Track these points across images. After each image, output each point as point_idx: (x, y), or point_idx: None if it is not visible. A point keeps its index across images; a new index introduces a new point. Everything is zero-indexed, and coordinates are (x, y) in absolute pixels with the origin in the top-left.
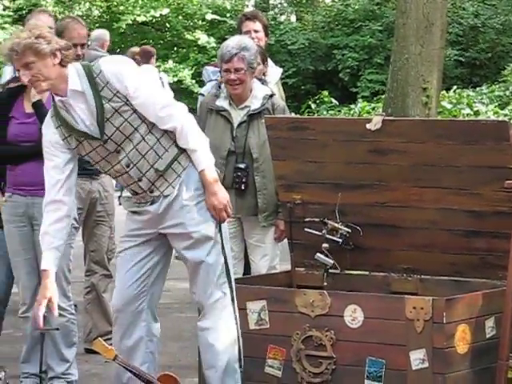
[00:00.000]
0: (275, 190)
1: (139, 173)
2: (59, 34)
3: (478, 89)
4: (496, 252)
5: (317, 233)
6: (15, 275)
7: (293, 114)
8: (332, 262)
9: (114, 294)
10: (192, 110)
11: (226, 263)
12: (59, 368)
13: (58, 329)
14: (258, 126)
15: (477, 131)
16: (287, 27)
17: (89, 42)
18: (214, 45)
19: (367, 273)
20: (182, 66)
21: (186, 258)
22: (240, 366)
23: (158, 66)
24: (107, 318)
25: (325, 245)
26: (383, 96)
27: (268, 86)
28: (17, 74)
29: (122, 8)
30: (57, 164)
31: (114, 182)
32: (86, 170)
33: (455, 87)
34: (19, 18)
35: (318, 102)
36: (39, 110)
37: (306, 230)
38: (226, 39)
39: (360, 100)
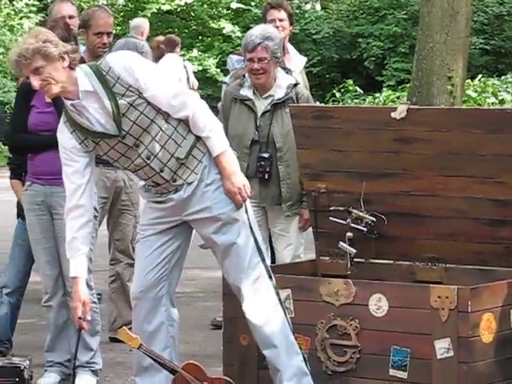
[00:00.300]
0: (299, 179)
1: (160, 163)
2: (85, 22)
3: (503, 77)
4: None
5: (341, 221)
6: (37, 264)
7: (317, 103)
8: (354, 250)
9: (133, 280)
10: (216, 99)
11: (257, 242)
12: (84, 357)
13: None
14: (282, 115)
15: (502, 120)
16: (312, 16)
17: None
18: (239, 34)
19: (392, 262)
20: (206, 55)
21: (216, 242)
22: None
23: (183, 55)
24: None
25: (349, 234)
26: (408, 85)
27: (292, 75)
28: None
29: None
30: (76, 169)
31: None
32: None
33: (480, 76)
34: (44, 7)
35: (342, 90)
36: (57, 101)
37: (330, 218)
38: (250, 28)
39: (385, 89)
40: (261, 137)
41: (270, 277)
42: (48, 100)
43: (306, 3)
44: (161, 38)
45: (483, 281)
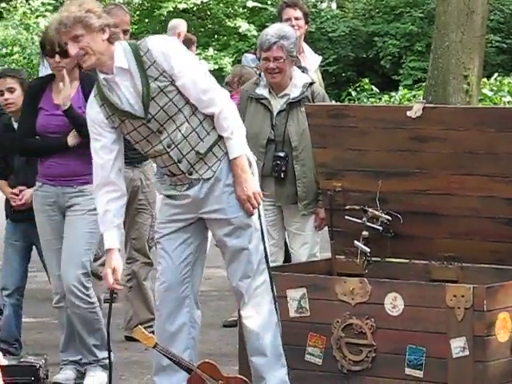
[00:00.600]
0: (315, 178)
1: (180, 154)
2: None
3: None
4: None
5: (357, 220)
6: (47, 265)
7: (333, 102)
8: (369, 249)
9: (157, 279)
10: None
11: (265, 249)
12: (89, 356)
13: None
14: (298, 114)
15: None
16: (328, 14)
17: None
18: (255, 32)
19: (407, 261)
20: (222, 54)
21: (227, 244)
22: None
23: (199, 54)
24: (148, 306)
25: (365, 232)
26: (424, 83)
27: (308, 74)
28: (51, 71)
29: None
30: (104, 144)
31: (154, 168)
32: (128, 158)
33: (496, 74)
34: (60, 6)
35: (358, 89)
36: (71, 114)
37: (346, 217)
38: (266, 27)
39: (401, 88)
40: (276, 136)
41: (272, 286)
42: (56, 101)
43: (321, 2)
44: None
45: (499, 280)
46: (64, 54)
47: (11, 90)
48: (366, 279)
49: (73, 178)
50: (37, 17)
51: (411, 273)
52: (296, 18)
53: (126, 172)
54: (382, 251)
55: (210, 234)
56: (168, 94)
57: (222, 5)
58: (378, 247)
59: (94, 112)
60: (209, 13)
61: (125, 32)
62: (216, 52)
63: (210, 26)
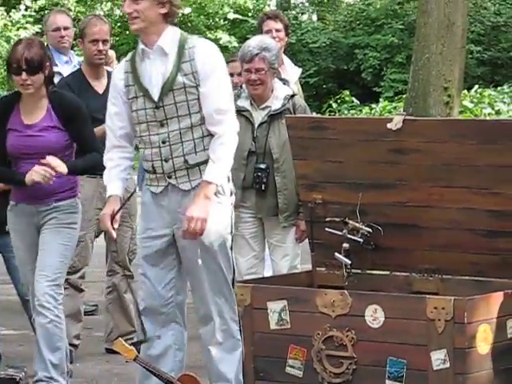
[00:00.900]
0: (296, 190)
1: (169, 154)
2: (81, 30)
3: (499, 88)
4: None
5: (338, 232)
6: (24, 283)
7: (314, 114)
8: (349, 261)
9: (140, 304)
10: None
11: (233, 266)
12: (41, 371)
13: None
14: (279, 126)
15: (498, 131)
16: (308, 26)
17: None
18: (236, 44)
19: (388, 273)
20: None
21: (190, 260)
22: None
23: None
24: (128, 319)
25: (345, 245)
26: (404, 95)
27: (289, 86)
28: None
29: None
30: (119, 111)
31: (135, 180)
32: None
33: (477, 86)
34: (41, 18)
35: (339, 101)
36: (75, 171)
37: (326, 229)
38: (247, 39)
39: (382, 99)
40: (258, 148)
41: (234, 307)
42: (27, 122)
43: (302, 14)
44: None
45: (479, 292)
46: (31, 71)
47: None
48: (346, 291)
49: (48, 197)
50: (18, 29)
51: (392, 285)
52: (277, 30)
53: None
54: (363, 263)
55: None
56: (187, 94)
57: (202, 17)
58: (358, 259)
59: (117, 77)
60: (190, 24)
61: (104, 42)
62: None
63: None
